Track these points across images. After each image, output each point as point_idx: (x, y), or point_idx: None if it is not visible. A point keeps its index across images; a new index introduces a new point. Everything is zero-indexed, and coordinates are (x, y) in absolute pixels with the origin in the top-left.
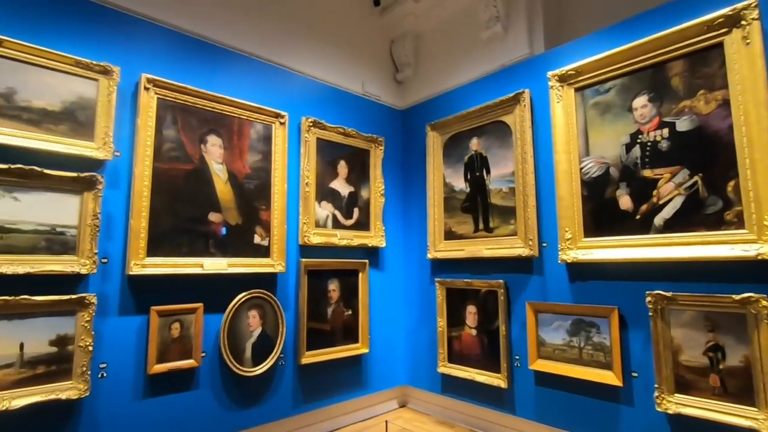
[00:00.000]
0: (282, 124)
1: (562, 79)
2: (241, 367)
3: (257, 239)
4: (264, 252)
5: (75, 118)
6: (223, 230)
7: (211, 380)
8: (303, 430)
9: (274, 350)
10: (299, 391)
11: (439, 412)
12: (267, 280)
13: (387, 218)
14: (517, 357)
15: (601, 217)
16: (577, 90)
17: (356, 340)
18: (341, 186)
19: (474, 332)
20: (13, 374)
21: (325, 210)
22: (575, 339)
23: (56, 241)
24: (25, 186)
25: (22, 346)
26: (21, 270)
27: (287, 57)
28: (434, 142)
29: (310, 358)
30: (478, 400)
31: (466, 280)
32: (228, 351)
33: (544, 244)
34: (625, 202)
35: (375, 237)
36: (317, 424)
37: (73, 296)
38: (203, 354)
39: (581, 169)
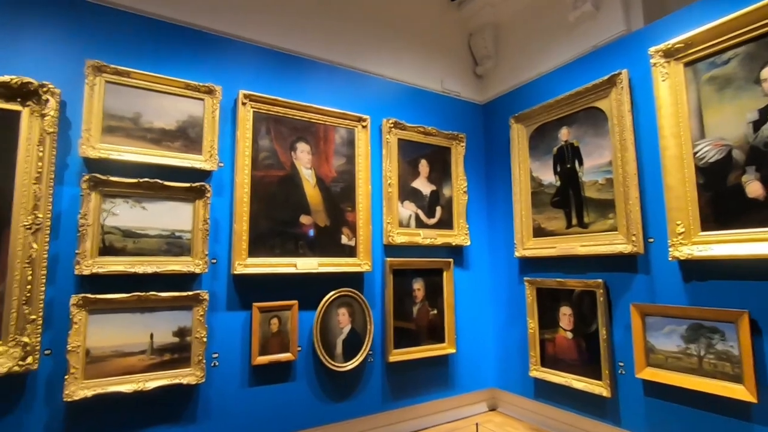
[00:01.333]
0: (364, 127)
1: (668, 54)
2: (333, 362)
3: (344, 239)
4: (351, 252)
5: (187, 135)
6: (311, 232)
7: (307, 373)
8: (392, 427)
9: (363, 347)
10: (388, 388)
11: (532, 417)
12: (354, 279)
13: (470, 216)
14: (621, 364)
15: (723, 208)
16: (687, 65)
17: (442, 340)
18: (423, 185)
19: (569, 335)
20: (146, 360)
21: (407, 210)
22: (693, 346)
23: (175, 244)
24: (151, 197)
25: (152, 335)
26: (150, 270)
27: (367, 61)
28: (519, 135)
29: (397, 356)
30: (575, 408)
31: (558, 279)
32: (321, 346)
33: (651, 240)
34: (754, 188)
35: (459, 235)
36: (406, 422)
37: (190, 293)
38: (299, 348)
39: (695, 154)
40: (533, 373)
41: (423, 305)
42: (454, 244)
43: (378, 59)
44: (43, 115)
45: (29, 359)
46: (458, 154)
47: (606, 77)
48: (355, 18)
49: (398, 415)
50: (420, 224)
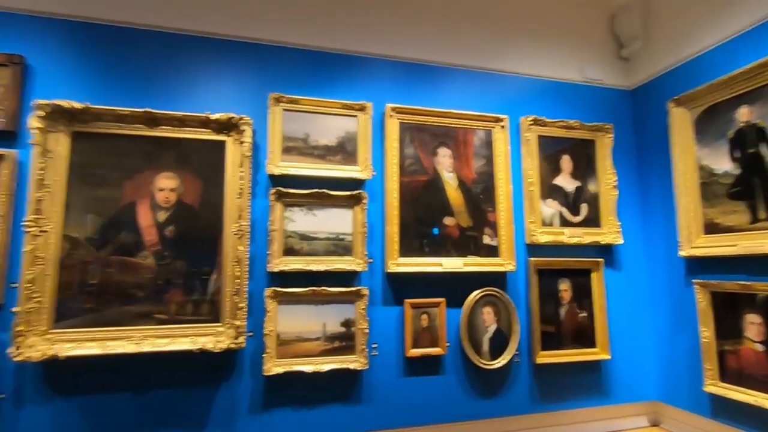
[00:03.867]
0: (502, 127)
1: None
2: (480, 360)
3: (486, 240)
4: (493, 252)
5: (345, 149)
6: (454, 232)
7: (455, 368)
8: (541, 431)
9: (509, 346)
10: (535, 390)
11: None
12: (498, 279)
13: (621, 213)
14: None
15: None
16: None
17: (593, 345)
18: (566, 182)
19: (760, 347)
20: (320, 345)
21: (550, 208)
22: None
23: (339, 246)
24: (319, 204)
25: (324, 325)
26: (322, 268)
27: (500, 61)
28: (680, 120)
29: (544, 358)
30: None
31: (741, 282)
32: (468, 343)
33: None
34: None
35: (608, 234)
36: (555, 426)
37: (353, 289)
38: (447, 344)
39: None
40: (709, 389)
41: (570, 307)
42: (603, 242)
43: (512, 57)
44: (242, 143)
45: (240, 339)
46: (605, 147)
47: None
48: (486, 19)
49: (547, 418)
50: (564, 223)
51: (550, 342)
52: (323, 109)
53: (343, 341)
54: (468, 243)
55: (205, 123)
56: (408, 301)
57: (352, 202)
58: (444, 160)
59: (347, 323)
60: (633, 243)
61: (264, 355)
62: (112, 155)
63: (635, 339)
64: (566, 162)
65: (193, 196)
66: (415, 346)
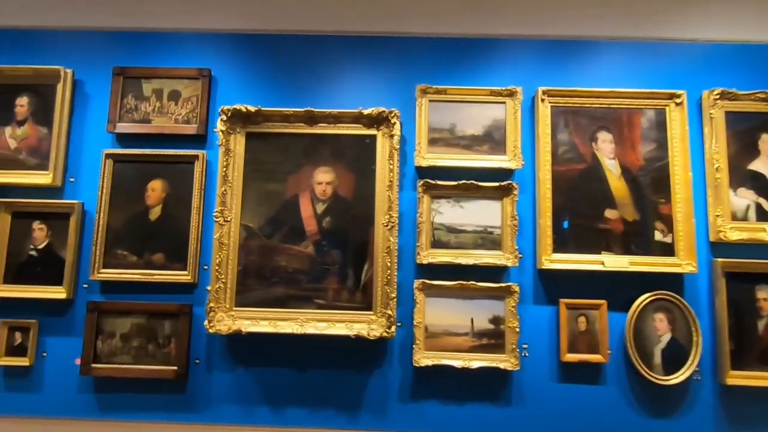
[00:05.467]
0: (678, 104)
1: None
2: (651, 373)
3: (658, 236)
4: (667, 250)
5: (492, 138)
6: (618, 227)
7: (617, 379)
8: None
9: (688, 361)
10: (721, 416)
11: None
12: (672, 281)
13: None
14: None
15: None
16: None
17: None
18: (766, 167)
19: None
20: (468, 341)
21: (744, 199)
22: None
23: (487, 239)
24: (467, 196)
25: (472, 320)
26: (470, 261)
27: (671, 27)
28: None
29: (736, 379)
30: None
31: None
32: (635, 353)
33: None
34: None
35: None
36: None
37: (503, 285)
38: (609, 351)
39: None
40: None
41: None
42: None
43: (687, 21)
44: (391, 136)
45: (392, 328)
46: None
47: None
48: None
49: None
50: (763, 217)
51: (743, 360)
52: (470, 97)
53: (491, 339)
54: (634, 239)
55: (357, 118)
56: (563, 300)
57: (501, 193)
58: (604, 145)
59: (496, 320)
60: None
61: (414, 347)
62: (278, 152)
63: None
64: (765, 143)
65: (347, 189)
66: (571, 350)
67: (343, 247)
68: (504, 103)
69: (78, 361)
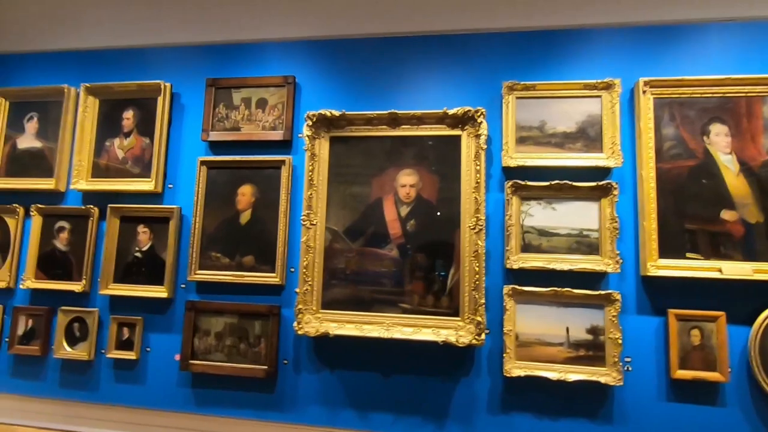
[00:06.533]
0: None
1: None
2: None
3: None
4: None
5: (587, 135)
6: (738, 230)
7: (740, 401)
8: None
9: None
10: None
11: None
12: None
13: None
14: None
15: None
16: None
17: None
18: None
19: None
20: (564, 352)
21: None
22: None
23: (583, 243)
24: (559, 197)
25: (567, 329)
26: (565, 267)
27: None
28: None
29: None
30: None
31: None
32: (761, 371)
33: None
34: None
35: None
36: None
37: (602, 292)
38: (729, 369)
39: None
40: None
41: None
42: None
43: None
44: (477, 135)
45: (482, 335)
46: None
47: None
48: None
49: None
50: None
51: None
52: (561, 92)
53: (590, 350)
54: (759, 244)
55: (441, 119)
56: (673, 311)
57: (598, 193)
58: (718, 139)
59: (594, 330)
60: None
61: (504, 355)
62: (362, 155)
63: None
64: None
65: (431, 191)
66: (683, 366)
67: (427, 251)
68: (599, 96)
69: (177, 357)
